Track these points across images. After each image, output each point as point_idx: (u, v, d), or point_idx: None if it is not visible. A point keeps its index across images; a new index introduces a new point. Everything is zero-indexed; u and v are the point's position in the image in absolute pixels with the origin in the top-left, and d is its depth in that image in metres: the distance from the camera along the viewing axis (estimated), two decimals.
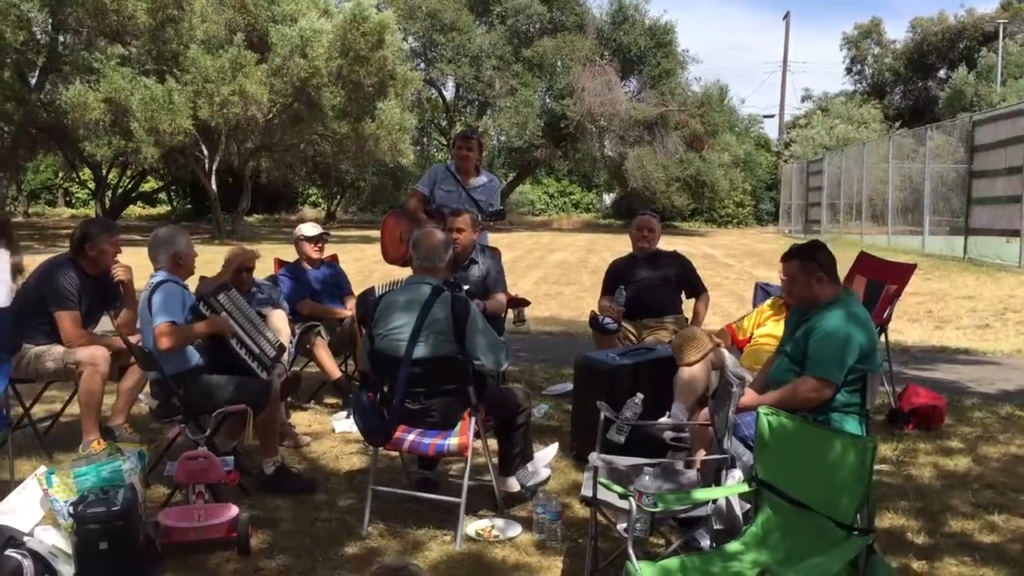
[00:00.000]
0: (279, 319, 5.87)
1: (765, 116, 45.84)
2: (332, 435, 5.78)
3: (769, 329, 5.02)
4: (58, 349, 5.11)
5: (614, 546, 3.82)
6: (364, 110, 26.33)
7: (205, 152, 25.92)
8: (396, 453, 4.77)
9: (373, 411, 4.22)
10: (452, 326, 4.14)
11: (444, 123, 38.67)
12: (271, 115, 25.04)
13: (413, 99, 31.46)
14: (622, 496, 3.06)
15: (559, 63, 35.63)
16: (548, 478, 4.85)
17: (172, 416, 4.65)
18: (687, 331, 4.85)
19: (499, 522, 4.29)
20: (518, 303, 6.67)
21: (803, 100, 50.44)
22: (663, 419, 4.55)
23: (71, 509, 3.72)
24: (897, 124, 41.31)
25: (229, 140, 26.12)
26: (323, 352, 6.18)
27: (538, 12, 35.47)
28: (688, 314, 6.53)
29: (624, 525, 3.58)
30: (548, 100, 37.00)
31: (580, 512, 4.45)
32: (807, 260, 4.09)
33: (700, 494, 3.16)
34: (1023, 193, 17.93)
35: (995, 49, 40.57)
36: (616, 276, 6.60)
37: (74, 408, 5.51)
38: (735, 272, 18.95)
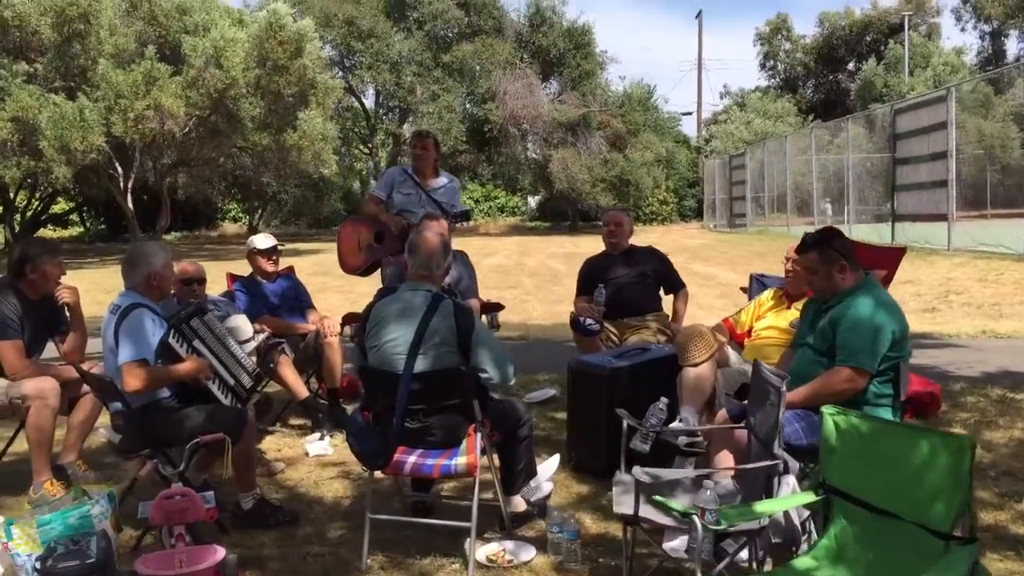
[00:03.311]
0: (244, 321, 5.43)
1: (683, 114, 46.30)
2: (306, 459, 5.36)
3: (770, 321, 4.78)
4: (0, 383, 4.61)
5: (640, 564, 3.54)
6: (285, 121, 25.71)
7: (119, 170, 24.91)
8: (383, 476, 4.40)
9: (370, 432, 3.84)
10: (456, 337, 3.79)
11: (365, 131, 38.08)
12: (188, 129, 24.22)
13: (333, 109, 30.83)
14: (684, 515, 2.75)
15: (479, 67, 35.35)
16: (550, 493, 4.54)
17: (138, 450, 4.21)
18: (691, 329, 4.57)
19: (509, 544, 3.96)
20: (491, 308, 6.37)
21: (721, 96, 51.22)
22: (674, 424, 4.26)
23: (37, 564, 3.27)
24: (811, 117, 42.08)
25: (144, 156, 25.21)
26: (288, 371, 5.75)
27: (455, 17, 35.15)
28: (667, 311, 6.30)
29: (674, 544, 3.30)
30: (469, 105, 36.73)
31: (592, 528, 4.15)
32: (826, 249, 3.86)
33: (763, 507, 2.88)
34: (947, 178, 18.29)
35: (901, 41, 41.58)
36: (591, 275, 6.32)
37: (18, 446, 5.02)
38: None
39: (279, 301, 6.22)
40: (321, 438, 5.55)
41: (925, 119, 19.42)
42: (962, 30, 55.93)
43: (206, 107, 23.72)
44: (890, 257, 5.62)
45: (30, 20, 21.66)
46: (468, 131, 35.19)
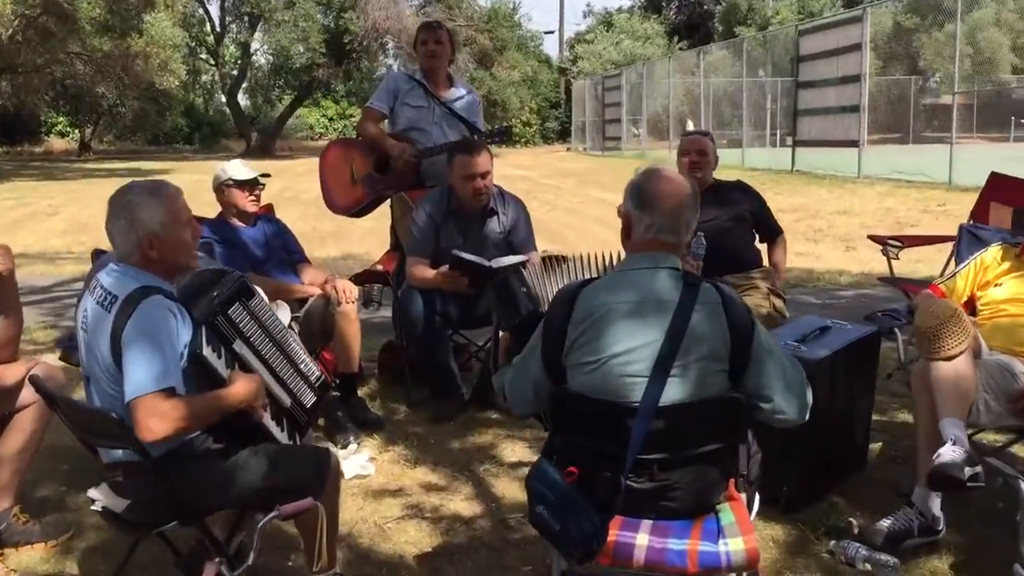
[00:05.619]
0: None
1: (545, 32, 44.76)
2: (344, 484, 3.80)
3: (1013, 290, 3.51)
4: None
5: None
6: (129, 24, 22.84)
7: None
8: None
9: (582, 502, 2.31)
10: (729, 346, 2.34)
11: (211, 40, 34.82)
12: (13, 31, 21.08)
13: (180, 14, 27.71)
14: None
15: None
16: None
17: (160, 524, 2.55)
18: (938, 307, 3.23)
19: None
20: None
21: (585, 16, 49.87)
22: (949, 449, 2.98)
23: None
24: (676, 39, 41.46)
25: None
26: None
27: None
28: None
29: None
30: (323, 16, 33.96)
31: None
32: None
33: None
34: (860, 103, 17.74)
35: None
36: None
37: None
38: (569, 193, 17.71)
39: (264, 253, 4.53)
40: (356, 450, 4.00)
41: (834, 41, 18.74)
42: None
43: (36, 6, 20.69)
44: None
45: None
46: (326, 42, 32.62)
